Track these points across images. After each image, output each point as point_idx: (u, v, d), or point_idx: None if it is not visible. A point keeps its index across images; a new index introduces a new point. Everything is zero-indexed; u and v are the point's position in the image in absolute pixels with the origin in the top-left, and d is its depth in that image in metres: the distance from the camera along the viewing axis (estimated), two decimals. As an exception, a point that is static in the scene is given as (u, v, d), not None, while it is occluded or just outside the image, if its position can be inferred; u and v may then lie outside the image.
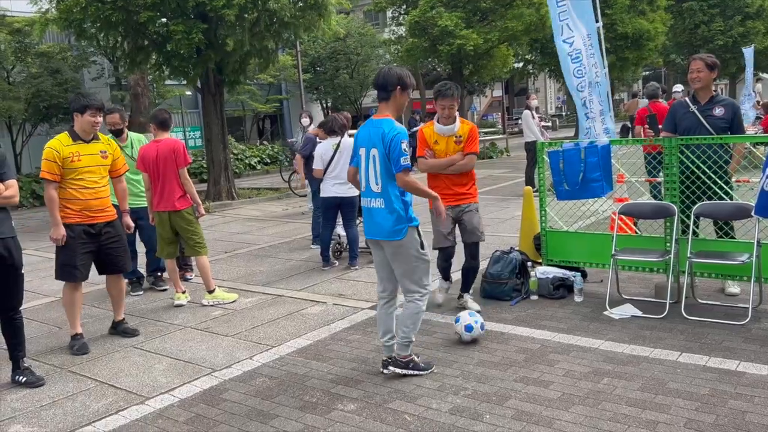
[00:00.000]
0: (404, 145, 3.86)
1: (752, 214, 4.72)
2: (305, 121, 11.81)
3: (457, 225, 5.26)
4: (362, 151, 4.08)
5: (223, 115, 14.38)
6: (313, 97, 31.29)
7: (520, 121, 17.16)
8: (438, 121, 5.21)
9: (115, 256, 5.19)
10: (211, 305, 6.04)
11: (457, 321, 4.65)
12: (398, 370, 4.13)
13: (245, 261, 8.08)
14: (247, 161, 21.46)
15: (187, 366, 4.60)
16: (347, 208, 7.14)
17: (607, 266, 5.48)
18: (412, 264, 4.02)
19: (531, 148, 12.29)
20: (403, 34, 24.09)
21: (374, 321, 5.28)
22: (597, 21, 6.70)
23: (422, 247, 4.01)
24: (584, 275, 5.80)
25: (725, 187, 5.17)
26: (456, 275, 5.62)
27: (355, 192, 7.17)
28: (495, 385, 3.94)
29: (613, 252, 5.22)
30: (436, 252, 5.18)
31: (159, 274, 6.81)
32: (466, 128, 5.20)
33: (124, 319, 5.40)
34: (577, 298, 5.46)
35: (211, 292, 6.13)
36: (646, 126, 8.71)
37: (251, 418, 3.72)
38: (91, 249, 5.06)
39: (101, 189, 5.08)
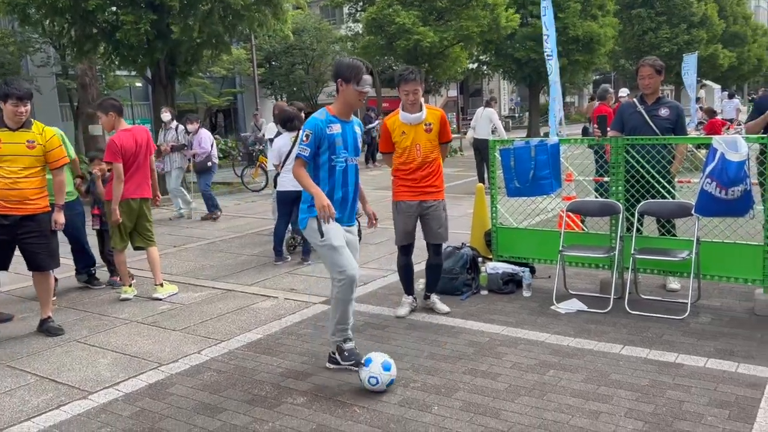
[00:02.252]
0: (304, 134, 3.89)
1: (693, 212, 4.90)
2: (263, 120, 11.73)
3: (419, 221, 5.03)
4: None
5: (174, 107, 14.10)
6: (268, 92, 30.96)
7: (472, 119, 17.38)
8: (403, 110, 4.94)
9: (31, 252, 5.00)
10: (162, 299, 5.92)
11: (367, 363, 3.78)
12: (328, 364, 4.20)
13: (194, 255, 7.95)
14: (198, 155, 21.05)
15: (132, 360, 4.49)
16: (302, 202, 7.11)
17: (555, 262, 5.60)
18: (318, 252, 4.04)
19: (483, 146, 12.49)
20: (360, 31, 24.06)
21: (325, 315, 5.29)
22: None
23: (322, 235, 3.90)
24: (533, 271, 5.91)
25: (668, 186, 5.34)
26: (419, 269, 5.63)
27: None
28: (444, 377, 3.98)
29: (560, 248, 5.34)
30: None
31: (93, 271, 6.58)
32: (437, 114, 4.97)
33: (49, 317, 5.16)
34: (526, 293, 5.56)
35: (161, 285, 6.01)
36: (596, 126, 8.90)
37: (198, 412, 3.67)
38: (5, 239, 4.89)
39: (22, 180, 4.85)
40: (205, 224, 10.35)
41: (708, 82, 39.88)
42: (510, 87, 46.26)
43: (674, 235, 5.50)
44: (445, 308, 5.19)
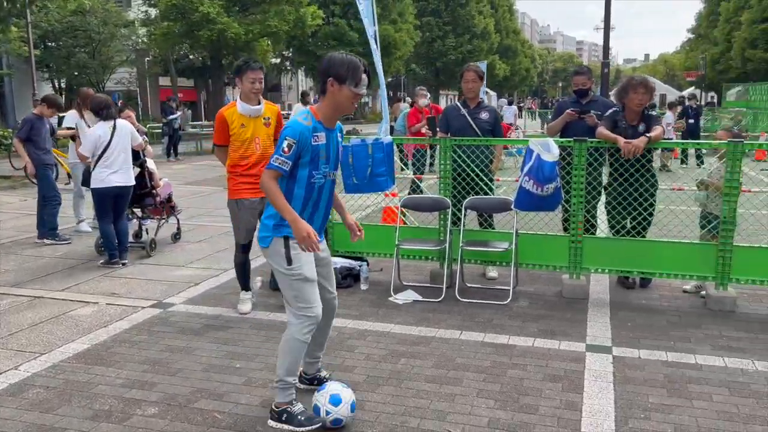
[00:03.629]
0: (286, 143, 3.10)
1: (512, 207, 5.42)
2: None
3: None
4: None
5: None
6: (44, 75, 27.85)
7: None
8: (242, 100, 4.79)
9: None
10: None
11: (317, 412, 3.30)
12: (271, 422, 3.33)
13: (-17, 259, 6.93)
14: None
15: (-71, 384, 3.81)
16: (123, 199, 6.52)
17: (391, 256, 5.84)
18: (280, 279, 3.33)
19: None
20: (154, 16, 22.66)
21: (158, 320, 4.97)
22: (374, 24, 7.07)
23: (289, 262, 3.24)
24: (366, 264, 6.09)
25: (490, 183, 5.84)
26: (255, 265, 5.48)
27: (133, 181, 6.60)
28: (302, 374, 3.96)
29: (397, 242, 5.58)
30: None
31: None
32: (274, 110, 4.96)
33: None
34: (363, 287, 5.72)
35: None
36: (427, 126, 9.34)
37: (32, 435, 3.23)
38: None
39: None
40: (-14, 223, 9.04)
41: (488, 90, 44.02)
42: (309, 84, 46.72)
43: (493, 228, 6.03)
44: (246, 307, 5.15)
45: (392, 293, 5.50)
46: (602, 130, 5.33)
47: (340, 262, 5.82)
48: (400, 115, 14.32)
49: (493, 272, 6.05)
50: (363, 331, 4.69)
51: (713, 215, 5.30)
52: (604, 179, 5.79)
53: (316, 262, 3.35)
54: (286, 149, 3.11)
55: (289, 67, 31.33)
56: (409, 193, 7.70)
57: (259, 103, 4.85)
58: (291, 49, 27.77)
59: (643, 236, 5.52)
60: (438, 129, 6.03)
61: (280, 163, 3.13)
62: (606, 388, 3.75)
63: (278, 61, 29.58)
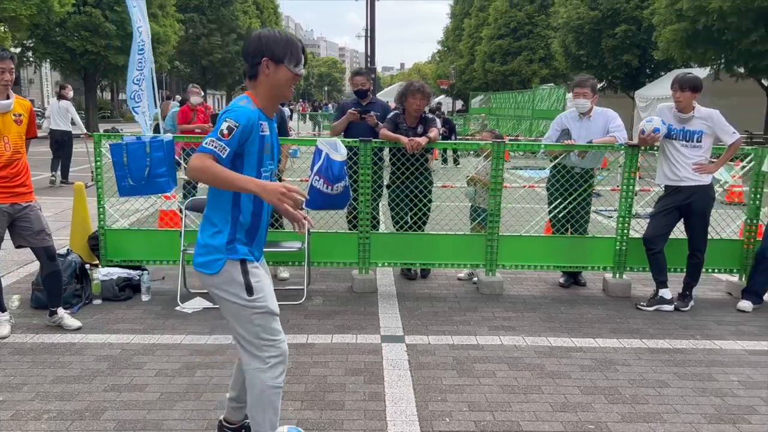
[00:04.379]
0: (225, 125, 2.47)
1: (303, 206, 5.41)
2: None
3: (11, 227, 4.37)
4: None
5: None
6: None
7: (47, 110, 15.71)
8: None
9: None
10: None
11: None
12: None
13: None
14: None
15: None
16: None
17: (171, 262, 5.48)
18: (235, 313, 2.70)
19: (64, 138, 11.52)
20: None
21: None
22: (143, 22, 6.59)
23: (250, 292, 2.66)
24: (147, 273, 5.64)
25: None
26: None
27: None
28: (84, 399, 3.52)
29: (182, 247, 5.24)
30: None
31: None
32: (26, 105, 4.43)
33: None
34: (145, 297, 5.29)
35: None
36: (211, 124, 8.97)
37: None
38: None
39: None
40: None
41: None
42: (60, 77, 42.15)
43: (281, 227, 5.98)
44: (75, 323, 4.60)
45: (179, 302, 5.16)
46: (386, 131, 5.57)
47: (116, 272, 5.31)
48: (169, 114, 13.59)
49: (284, 273, 5.99)
50: (151, 346, 4.32)
51: (482, 209, 5.86)
52: (386, 180, 6.07)
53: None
54: (225, 132, 2.46)
55: (31, 59, 27.77)
56: (184, 195, 7.32)
57: (9, 98, 4.29)
58: (33, 39, 24.66)
59: (423, 230, 5.90)
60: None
61: (215, 147, 2.44)
62: (404, 375, 3.92)
63: (18, 50, 26.08)
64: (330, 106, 46.59)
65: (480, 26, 42.21)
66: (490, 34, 38.90)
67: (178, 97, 14.80)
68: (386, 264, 5.72)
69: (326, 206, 5.42)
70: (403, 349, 4.34)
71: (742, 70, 16.99)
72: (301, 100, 70.39)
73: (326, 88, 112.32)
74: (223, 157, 2.45)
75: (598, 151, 5.60)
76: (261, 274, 2.73)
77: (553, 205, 5.76)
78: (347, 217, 6.23)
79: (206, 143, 2.46)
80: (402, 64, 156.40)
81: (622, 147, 5.46)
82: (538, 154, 10.57)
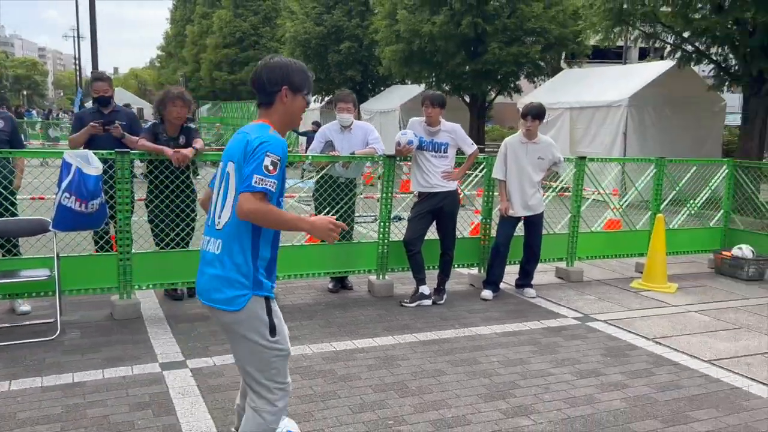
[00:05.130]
0: (269, 160, 2.41)
1: (50, 228, 4.77)
2: None
3: None
4: (220, 167, 2.65)
5: None
6: None
7: None
8: None
9: None
10: None
11: None
12: None
13: None
14: None
15: None
16: None
17: None
18: (253, 353, 2.58)
19: None
20: None
21: None
22: None
23: (273, 332, 2.57)
24: None
25: (6, 203, 4.97)
26: None
27: None
28: None
29: None
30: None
31: None
32: None
33: None
34: None
35: None
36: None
37: None
38: None
39: None
40: None
41: None
42: None
43: (19, 254, 5.18)
44: None
45: None
46: (145, 143, 5.17)
47: None
48: None
49: (25, 306, 5.17)
50: None
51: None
52: (137, 194, 5.63)
53: None
54: (271, 168, 2.42)
55: None
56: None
57: None
58: None
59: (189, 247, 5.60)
60: None
61: (267, 185, 2.41)
62: (196, 402, 3.70)
63: None
64: (34, 112, 41.33)
65: (204, 34, 41.36)
66: (216, 43, 38.38)
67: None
68: (152, 286, 5.31)
69: (79, 227, 4.88)
70: (189, 375, 4.09)
71: (447, 87, 19.34)
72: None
73: (25, 92, 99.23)
74: (274, 192, 2.46)
75: (360, 161, 5.92)
76: (280, 314, 2.67)
77: (321, 214, 5.93)
78: (94, 238, 5.65)
79: (255, 182, 2.40)
80: (116, 68, 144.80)
81: (381, 158, 5.85)
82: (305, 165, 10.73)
